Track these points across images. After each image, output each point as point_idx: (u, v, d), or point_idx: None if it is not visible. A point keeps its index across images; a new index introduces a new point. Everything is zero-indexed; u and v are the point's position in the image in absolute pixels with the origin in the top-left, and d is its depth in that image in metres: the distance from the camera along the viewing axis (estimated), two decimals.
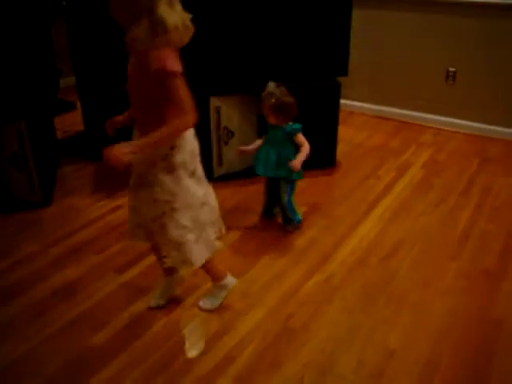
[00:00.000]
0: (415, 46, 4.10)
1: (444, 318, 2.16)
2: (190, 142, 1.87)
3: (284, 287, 2.34)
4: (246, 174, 3.35)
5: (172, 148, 1.81)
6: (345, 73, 3.26)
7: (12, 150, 2.91)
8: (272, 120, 2.61)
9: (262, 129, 3.26)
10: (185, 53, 3.04)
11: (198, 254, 1.99)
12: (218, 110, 3.11)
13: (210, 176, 3.22)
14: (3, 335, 2.10)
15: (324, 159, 3.44)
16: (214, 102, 3.09)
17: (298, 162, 2.57)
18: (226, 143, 3.23)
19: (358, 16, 3.29)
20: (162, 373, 1.91)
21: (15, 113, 2.82)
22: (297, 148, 2.64)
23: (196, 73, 3.11)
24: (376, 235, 2.72)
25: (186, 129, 1.80)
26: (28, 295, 2.33)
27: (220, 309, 2.21)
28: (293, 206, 2.76)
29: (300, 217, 2.80)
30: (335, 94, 3.28)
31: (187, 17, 1.72)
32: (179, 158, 1.83)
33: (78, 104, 4.02)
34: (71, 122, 4.40)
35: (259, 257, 2.56)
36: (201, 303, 2.22)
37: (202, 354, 1.99)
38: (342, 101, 3.41)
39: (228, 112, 3.16)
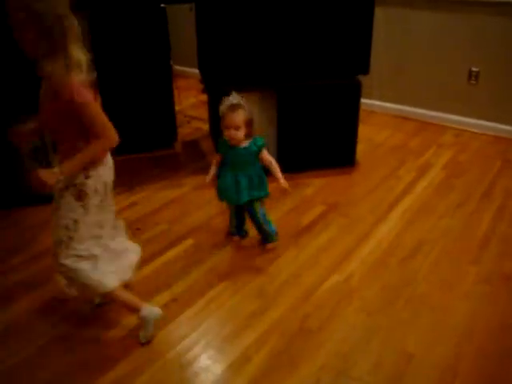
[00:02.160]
0: (437, 44, 4.04)
1: (464, 322, 2.11)
2: (105, 173, 1.92)
3: (301, 287, 2.31)
4: (264, 171, 3.32)
5: (86, 177, 1.85)
6: (366, 71, 3.22)
7: (33, 144, 2.91)
8: (241, 134, 2.33)
9: (281, 126, 3.25)
10: (206, 48, 3.02)
11: (101, 281, 1.91)
12: None
13: None
14: (14, 332, 2.11)
15: (344, 158, 3.41)
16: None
17: (282, 179, 2.43)
18: None
19: (379, 14, 3.24)
20: (177, 372, 1.89)
21: (36, 106, 2.82)
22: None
23: (216, 69, 3.10)
24: (396, 236, 2.68)
25: (108, 148, 1.92)
26: (40, 292, 2.33)
27: (236, 308, 2.20)
28: (268, 219, 2.56)
29: (274, 227, 2.59)
30: (356, 93, 3.24)
31: (89, 57, 1.81)
32: (91, 186, 1.86)
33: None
34: None
35: (277, 255, 2.54)
36: (140, 337, 2.05)
37: (218, 352, 1.97)
38: (363, 100, 3.37)
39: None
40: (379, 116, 4.41)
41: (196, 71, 4.95)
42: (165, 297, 2.27)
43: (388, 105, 4.45)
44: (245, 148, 2.36)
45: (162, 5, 3.43)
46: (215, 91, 3.41)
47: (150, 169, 3.49)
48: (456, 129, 4.09)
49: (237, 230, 2.65)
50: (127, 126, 3.60)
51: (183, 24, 4.56)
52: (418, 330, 2.07)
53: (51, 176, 1.73)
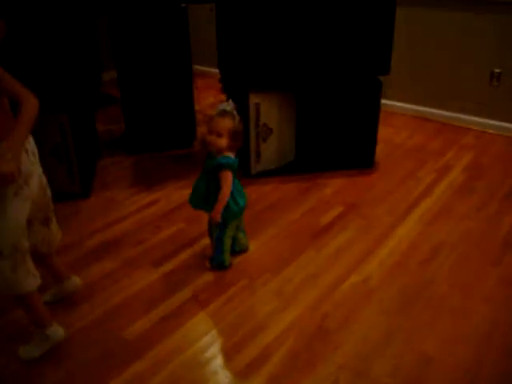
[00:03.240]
0: (459, 45, 4.00)
1: (484, 325, 2.09)
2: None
3: (320, 287, 2.31)
4: (283, 171, 3.33)
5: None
6: (386, 71, 3.20)
7: (54, 142, 2.95)
8: (221, 143, 2.18)
9: (300, 127, 3.25)
10: (226, 49, 3.02)
11: (21, 282, 1.81)
12: (257, 107, 3.09)
13: (248, 173, 3.26)
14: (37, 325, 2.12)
15: (363, 159, 3.39)
16: (254, 98, 3.07)
17: (215, 212, 2.23)
18: (265, 140, 3.22)
19: (400, 14, 3.21)
20: (196, 369, 1.90)
21: (58, 104, 2.86)
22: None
23: (236, 69, 3.11)
24: (415, 238, 2.67)
25: (37, 108, 1.70)
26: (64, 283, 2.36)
27: (255, 306, 2.20)
28: (223, 247, 2.38)
29: (227, 263, 2.43)
30: (376, 94, 3.22)
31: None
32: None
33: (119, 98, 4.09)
34: (112, 116, 4.46)
35: (295, 255, 2.54)
36: (20, 350, 1.97)
37: (237, 351, 1.98)
38: (383, 100, 3.35)
39: (267, 109, 3.14)
40: (398, 117, 4.38)
41: (215, 71, 4.98)
42: (184, 294, 2.28)
43: (408, 106, 4.43)
44: (216, 159, 2.21)
45: (183, 5, 3.45)
46: (234, 91, 3.43)
47: (169, 167, 3.51)
48: (477, 130, 4.05)
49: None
50: (147, 125, 3.66)
51: (203, 24, 4.58)
52: (437, 333, 2.05)
53: (7, 163, 1.53)
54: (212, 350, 1.99)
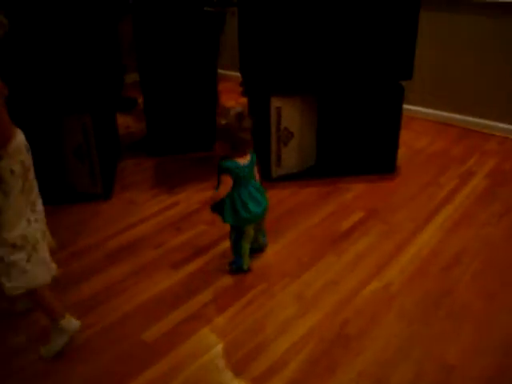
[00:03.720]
0: (482, 49, 3.95)
1: (507, 334, 2.06)
2: (19, 152, 1.80)
3: (340, 292, 2.30)
4: (304, 175, 3.32)
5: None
6: (409, 76, 3.18)
7: (77, 143, 2.98)
8: (251, 143, 2.28)
9: (321, 131, 3.24)
10: (248, 52, 3.02)
11: (31, 276, 1.85)
12: (278, 111, 3.09)
13: (268, 176, 3.25)
14: None
15: (384, 164, 3.37)
16: (275, 102, 3.07)
17: (211, 195, 2.32)
18: (286, 144, 3.21)
19: (423, 18, 3.18)
20: (214, 373, 1.90)
21: (82, 106, 2.89)
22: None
23: (258, 73, 3.11)
24: (437, 244, 2.64)
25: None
26: (83, 287, 2.38)
27: (274, 311, 2.19)
28: (240, 251, 2.40)
29: (246, 267, 2.43)
30: (398, 99, 3.20)
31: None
32: (6, 166, 1.74)
33: (140, 101, 4.11)
34: (133, 118, 4.50)
35: (315, 260, 2.53)
36: (42, 350, 2.00)
37: (255, 356, 1.97)
38: (404, 105, 3.32)
39: (289, 113, 3.13)
40: (420, 122, 4.34)
41: (235, 74, 4.99)
42: (204, 297, 2.28)
43: (429, 111, 4.39)
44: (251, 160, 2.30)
45: (207, 8, 3.46)
46: (255, 94, 3.43)
47: (189, 170, 3.52)
48: (500, 136, 3.99)
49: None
50: (169, 128, 3.67)
51: (225, 28, 4.59)
52: (459, 341, 2.02)
53: None
54: (230, 355, 1.98)
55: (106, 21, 3.57)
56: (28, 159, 1.86)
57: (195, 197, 3.14)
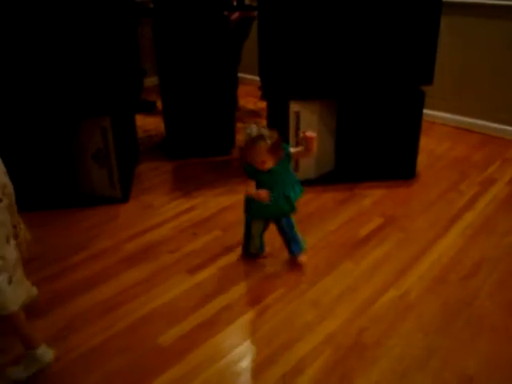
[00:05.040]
0: (504, 54, 3.90)
1: None
2: None
3: (357, 300, 2.27)
4: (322, 181, 3.30)
5: None
6: (430, 81, 3.14)
7: (96, 146, 3.00)
8: (269, 164, 2.23)
9: (340, 136, 3.21)
10: (267, 56, 3.00)
11: (14, 297, 1.77)
12: (297, 115, 3.07)
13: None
14: (73, 328, 2.15)
15: (403, 170, 3.33)
16: (294, 106, 3.05)
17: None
18: None
19: (444, 23, 3.15)
20: (229, 379, 1.89)
21: (101, 108, 2.91)
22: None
23: (277, 77, 3.10)
24: (456, 252, 2.59)
25: None
26: (100, 290, 2.39)
27: (290, 317, 2.18)
28: (248, 232, 2.53)
29: (252, 250, 2.57)
30: (419, 104, 3.16)
31: None
32: None
33: (159, 104, 4.13)
34: (151, 122, 4.52)
35: (332, 267, 2.50)
36: (8, 371, 1.90)
37: (271, 362, 1.95)
38: (424, 110, 3.28)
39: (307, 117, 3.11)
40: (440, 127, 4.30)
41: (254, 78, 4.98)
42: (219, 302, 2.27)
43: (450, 116, 4.34)
44: (277, 166, 2.27)
45: (225, 13, 3.47)
46: (274, 98, 3.42)
47: (207, 174, 3.52)
48: None
49: (260, 248, 2.57)
50: (188, 131, 3.68)
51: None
52: (478, 352, 1.99)
53: None
54: (246, 361, 1.97)
55: (126, 24, 3.59)
56: (2, 174, 1.79)
57: (212, 201, 3.14)
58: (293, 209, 2.43)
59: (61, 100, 2.82)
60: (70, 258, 2.63)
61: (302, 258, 2.50)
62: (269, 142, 2.16)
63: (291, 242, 2.48)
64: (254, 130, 2.18)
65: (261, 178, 2.29)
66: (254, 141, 2.16)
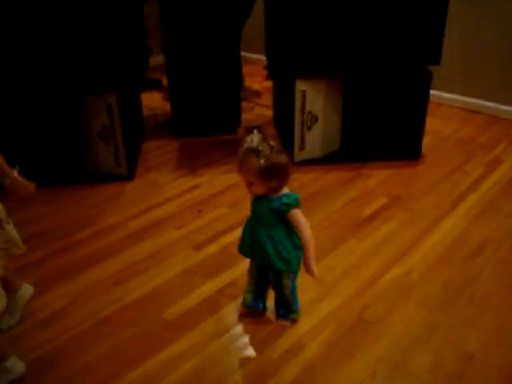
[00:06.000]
0: None
1: None
2: None
3: (361, 278, 2.29)
4: (327, 160, 3.30)
5: None
6: (437, 61, 3.11)
7: (102, 124, 3.01)
8: (257, 190, 1.80)
9: (346, 115, 3.21)
10: (274, 35, 2.99)
11: None
12: (303, 94, 3.07)
13: (291, 160, 3.24)
14: (79, 302, 2.19)
15: (409, 150, 3.33)
16: (301, 85, 3.04)
17: (311, 266, 1.87)
18: (310, 128, 3.19)
19: (453, 1, 3.11)
20: (232, 353, 1.92)
21: (107, 85, 2.91)
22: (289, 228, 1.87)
23: (283, 55, 3.09)
24: (460, 233, 2.60)
25: None
26: (106, 265, 2.42)
27: None
28: (296, 296, 2.04)
29: (299, 306, 2.07)
30: (425, 84, 3.15)
31: None
32: None
33: (164, 83, 4.13)
34: (157, 100, 4.52)
35: (336, 245, 2.52)
36: None
37: (274, 337, 1.98)
38: (431, 91, 3.26)
39: (313, 96, 3.10)
40: (446, 108, 4.27)
41: (260, 57, 4.96)
42: (223, 279, 2.30)
43: (457, 97, 4.30)
44: (267, 201, 1.82)
45: None
46: (280, 77, 3.41)
47: (213, 152, 3.52)
48: None
49: (253, 299, 2.05)
50: (194, 109, 3.68)
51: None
52: (480, 330, 2.01)
53: None
54: (249, 336, 2.00)
55: (132, 1, 3.57)
56: None
57: (218, 179, 3.15)
58: (254, 257, 1.97)
59: (66, 75, 2.82)
60: (76, 234, 2.65)
61: (286, 323, 2.05)
62: (262, 161, 1.69)
63: (278, 304, 2.06)
64: (254, 140, 1.72)
65: (253, 202, 1.91)
66: (245, 153, 1.73)
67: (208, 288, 2.25)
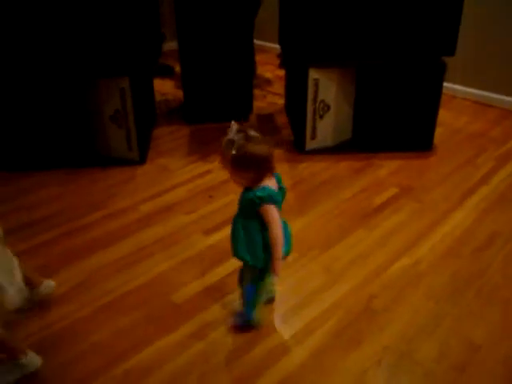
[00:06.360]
0: None
1: None
2: None
3: (369, 267, 2.30)
4: (338, 149, 3.30)
5: None
6: (452, 52, 3.09)
7: (114, 107, 3.02)
8: (236, 181, 1.79)
9: (358, 105, 3.20)
10: (288, 23, 2.99)
11: None
12: (316, 83, 3.06)
13: (302, 148, 3.24)
14: (88, 284, 2.21)
15: (421, 142, 3.32)
16: (313, 74, 3.03)
17: (276, 266, 1.77)
18: (321, 117, 3.18)
19: None
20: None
21: (120, 68, 2.92)
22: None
23: (297, 43, 3.08)
24: (470, 225, 2.60)
25: None
26: (116, 248, 2.44)
27: (302, 281, 2.21)
28: (256, 300, 1.92)
29: (254, 320, 1.96)
30: (439, 75, 3.12)
31: None
32: None
33: (177, 69, 4.13)
34: (169, 86, 4.52)
35: (345, 234, 2.53)
36: None
37: (281, 323, 2.00)
38: (445, 83, 3.24)
39: (326, 85, 3.09)
40: (460, 101, 4.24)
41: (272, 45, 4.95)
42: (232, 264, 2.30)
43: (470, 90, 4.27)
44: (247, 192, 1.76)
45: None
46: (293, 66, 3.40)
47: (222, 144, 3.51)
48: None
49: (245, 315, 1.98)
50: (206, 96, 3.69)
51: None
52: (487, 322, 2.01)
53: None
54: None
55: None
56: None
57: None
58: (246, 257, 1.83)
59: (80, 58, 2.83)
60: (87, 217, 2.68)
61: (232, 324, 2.00)
62: (234, 152, 1.69)
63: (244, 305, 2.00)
64: (232, 130, 1.73)
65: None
66: (223, 144, 1.73)
67: (216, 273, 2.26)
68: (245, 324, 1.97)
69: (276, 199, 1.74)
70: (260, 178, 1.74)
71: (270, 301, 2.09)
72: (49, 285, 2.09)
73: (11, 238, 2.46)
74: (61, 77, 2.91)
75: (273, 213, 1.73)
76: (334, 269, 2.29)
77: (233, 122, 1.75)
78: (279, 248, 1.75)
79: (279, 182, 1.83)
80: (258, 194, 1.71)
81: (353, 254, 2.39)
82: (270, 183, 1.76)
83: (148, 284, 2.21)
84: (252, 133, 1.72)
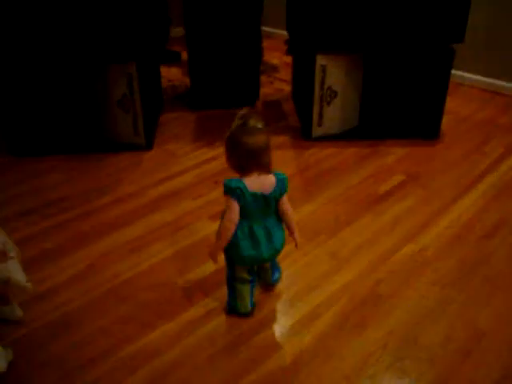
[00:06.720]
0: None
1: None
2: None
3: (375, 253, 2.30)
4: (345, 136, 3.29)
5: None
6: (461, 40, 3.07)
7: (121, 92, 3.02)
8: (227, 163, 1.83)
9: (366, 92, 3.19)
10: (295, 8, 2.97)
11: None
12: (323, 69, 3.05)
13: (308, 135, 3.24)
14: (97, 268, 2.23)
15: (428, 129, 3.31)
16: (321, 60, 3.02)
17: (211, 248, 1.88)
18: (329, 103, 3.18)
19: None
20: (246, 321, 1.96)
21: (127, 54, 2.92)
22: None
23: (304, 29, 3.06)
24: (476, 212, 2.60)
25: None
26: (124, 232, 2.46)
27: (308, 266, 2.22)
28: (234, 293, 1.94)
29: (244, 310, 1.96)
30: (447, 62, 3.11)
31: None
32: None
33: (183, 55, 4.11)
34: (176, 72, 4.51)
35: (351, 220, 2.53)
36: None
37: (288, 307, 2.01)
38: (453, 70, 3.22)
39: (334, 71, 3.08)
40: (468, 89, 4.22)
41: (280, 32, 4.92)
42: None
43: (478, 77, 4.25)
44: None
45: None
46: (301, 52, 3.39)
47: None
48: None
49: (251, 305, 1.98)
50: (213, 82, 3.68)
51: None
52: (492, 309, 2.01)
53: None
54: (264, 304, 2.03)
55: None
56: None
57: None
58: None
59: (88, 43, 2.83)
60: (95, 201, 2.69)
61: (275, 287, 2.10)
62: (228, 134, 1.76)
63: (274, 270, 2.08)
64: (240, 113, 1.77)
65: (244, 202, 1.78)
66: (244, 116, 1.76)
67: (223, 257, 2.26)
68: (232, 312, 1.98)
69: (237, 195, 1.71)
70: (244, 169, 1.73)
71: (269, 287, 2.11)
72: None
73: (21, 223, 2.51)
74: (69, 62, 2.91)
75: (230, 205, 1.73)
76: (340, 254, 2.30)
77: (244, 110, 1.76)
78: (222, 240, 1.79)
79: (282, 186, 1.79)
80: (226, 181, 1.73)
81: (359, 239, 2.39)
82: (255, 181, 1.73)
83: (155, 268, 2.22)
84: (252, 122, 1.70)
